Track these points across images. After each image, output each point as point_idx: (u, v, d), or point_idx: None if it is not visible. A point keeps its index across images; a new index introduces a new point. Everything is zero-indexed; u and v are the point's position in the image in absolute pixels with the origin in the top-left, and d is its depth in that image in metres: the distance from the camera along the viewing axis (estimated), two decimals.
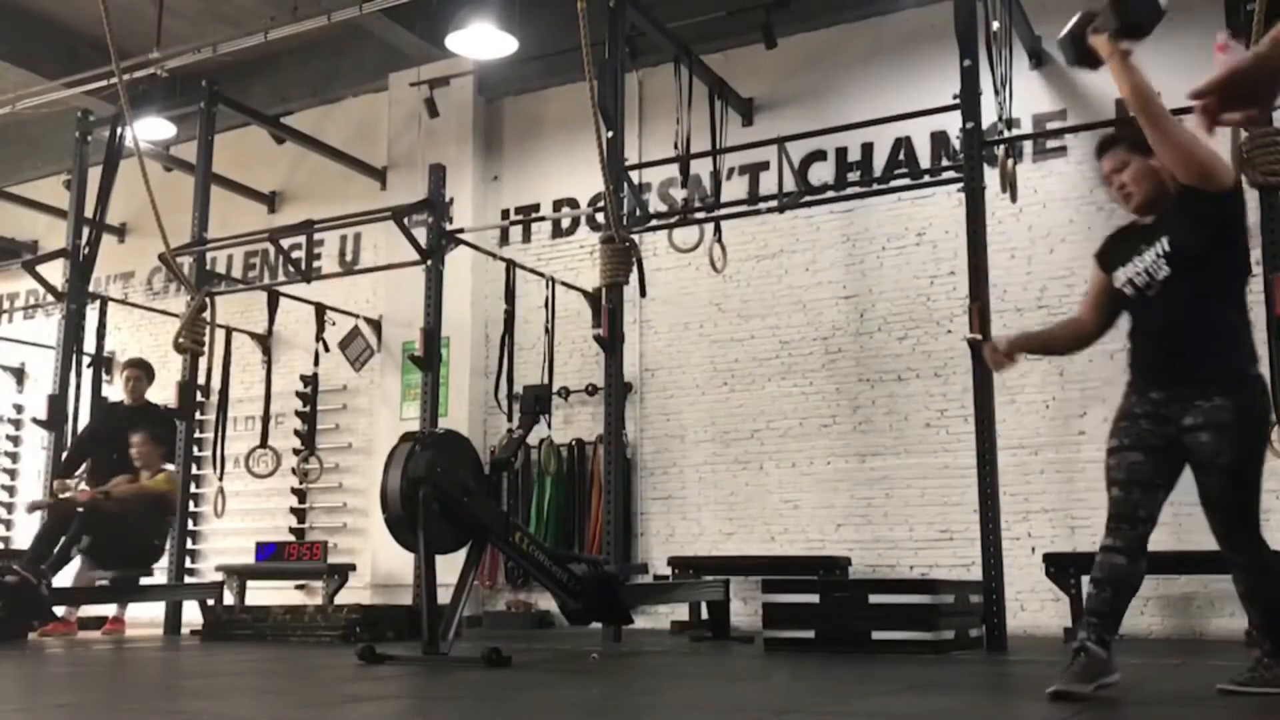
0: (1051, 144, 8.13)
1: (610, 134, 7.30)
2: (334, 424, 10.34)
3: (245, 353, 10.00)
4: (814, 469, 8.48)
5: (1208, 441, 3.46)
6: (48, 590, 7.09)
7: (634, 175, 7.99)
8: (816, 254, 8.78)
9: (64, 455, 8.65)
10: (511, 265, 8.66)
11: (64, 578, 7.84)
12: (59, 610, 7.52)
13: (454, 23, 8.70)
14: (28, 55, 10.49)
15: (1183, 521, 7.29)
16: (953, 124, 7.12)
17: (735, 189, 8.99)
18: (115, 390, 9.82)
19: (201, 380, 8.86)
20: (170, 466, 8.24)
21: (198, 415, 9.35)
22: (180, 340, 8.41)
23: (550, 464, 8.89)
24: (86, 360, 9.16)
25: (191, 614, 8.14)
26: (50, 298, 9.24)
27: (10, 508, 12.06)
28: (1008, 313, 7.97)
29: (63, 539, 7.45)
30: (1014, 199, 7.32)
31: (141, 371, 8.69)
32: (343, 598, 8.65)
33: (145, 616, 8.69)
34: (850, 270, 8.65)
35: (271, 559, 9.14)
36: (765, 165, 8.63)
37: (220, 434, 9.02)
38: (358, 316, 10.17)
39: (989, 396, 6.16)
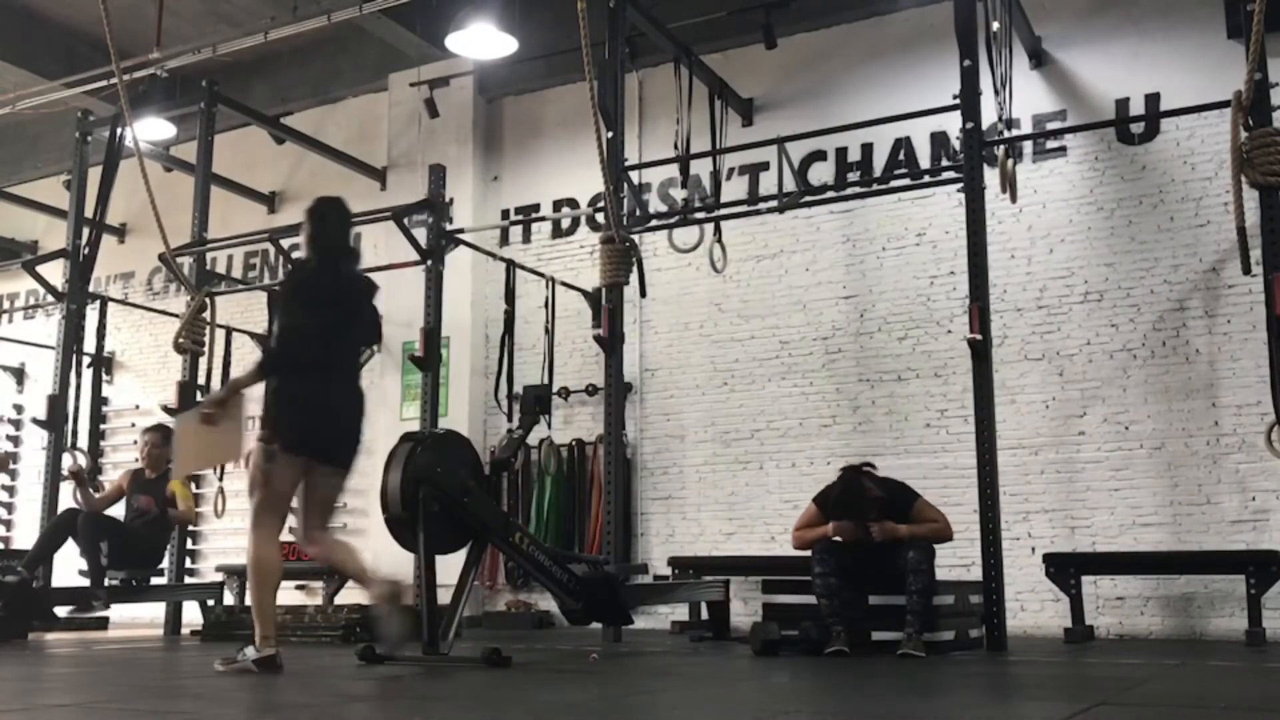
0: (1051, 144, 8.14)
1: (610, 134, 7.30)
2: None
3: (245, 353, 9.98)
4: (814, 469, 8.47)
5: None
6: (46, 592, 7.08)
7: (634, 175, 7.99)
8: (816, 254, 8.78)
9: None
10: (511, 265, 8.65)
11: (64, 578, 7.84)
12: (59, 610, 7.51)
13: (454, 23, 8.69)
14: (28, 55, 10.48)
15: (1182, 521, 7.36)
16: (953, 124, 7.13)
17: (735, 189, 8.99)
18: (116, 390, 9.84)
19: (201, 380, 8.84)
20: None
21: None
22: (180, 340, 8.40)
23: (550, 464, 8.89)
24: (86, 360, 9.14)
25: (192, 614, 8.14)
26: (50, 298, 9.23)
27: (10, 508, 12.05)
28: (1008, 313, 7.97)
29: (91, 544, 7.19)
30: (1014, 199, 7.30)
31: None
32: (343, 598, 8.65)
33: (145, 617, 8.69)
34: (850, 270, 8.65)
35: None
36: (765, 165, 8.63)
37: None
38: None
39: (989, 397, 6.16)
